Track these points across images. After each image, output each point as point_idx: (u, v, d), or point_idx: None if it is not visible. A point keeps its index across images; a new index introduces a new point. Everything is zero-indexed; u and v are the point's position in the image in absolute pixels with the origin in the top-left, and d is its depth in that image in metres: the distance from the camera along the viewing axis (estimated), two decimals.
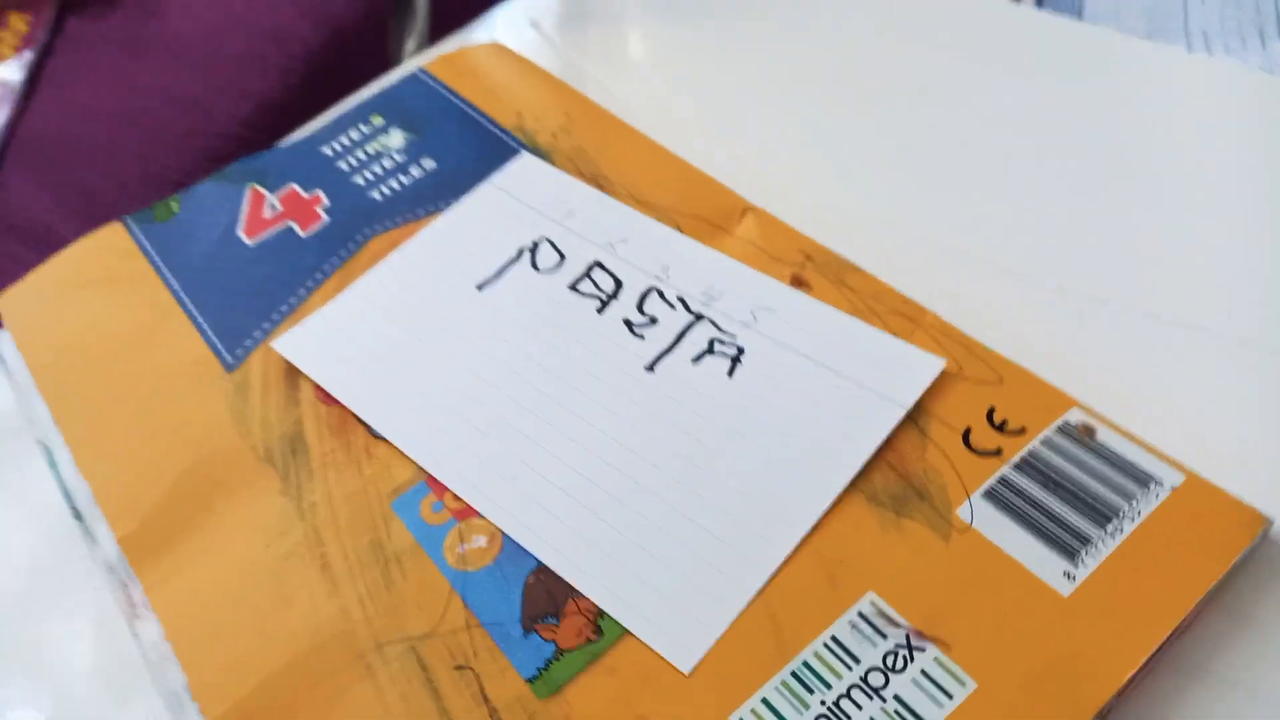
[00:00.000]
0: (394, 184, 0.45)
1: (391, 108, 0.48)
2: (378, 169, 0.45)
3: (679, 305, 0.35)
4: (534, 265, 0.38)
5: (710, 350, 0.34)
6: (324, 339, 0.38)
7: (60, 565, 0.35)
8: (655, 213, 0.40)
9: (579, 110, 0.46)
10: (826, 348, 0.33)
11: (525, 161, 0.42)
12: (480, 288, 0.38)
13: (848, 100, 0.46)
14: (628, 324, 0.35)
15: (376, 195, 0.44)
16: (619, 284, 0.36)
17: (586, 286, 0.37)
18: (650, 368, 0.34)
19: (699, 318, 0.35)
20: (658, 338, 0.35)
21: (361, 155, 0.46)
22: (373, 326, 0.38)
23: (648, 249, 0.38)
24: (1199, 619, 0.28)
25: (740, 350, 0.33)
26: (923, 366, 0.32)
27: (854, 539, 0.29)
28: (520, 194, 0.41)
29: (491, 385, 0.35)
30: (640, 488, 0.31)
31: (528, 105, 0.46)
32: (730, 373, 0.33)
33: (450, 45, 0.54)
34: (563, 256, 0.38)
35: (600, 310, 0.36)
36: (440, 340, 0.37)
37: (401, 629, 0.30)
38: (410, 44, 0.57)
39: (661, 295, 0.36)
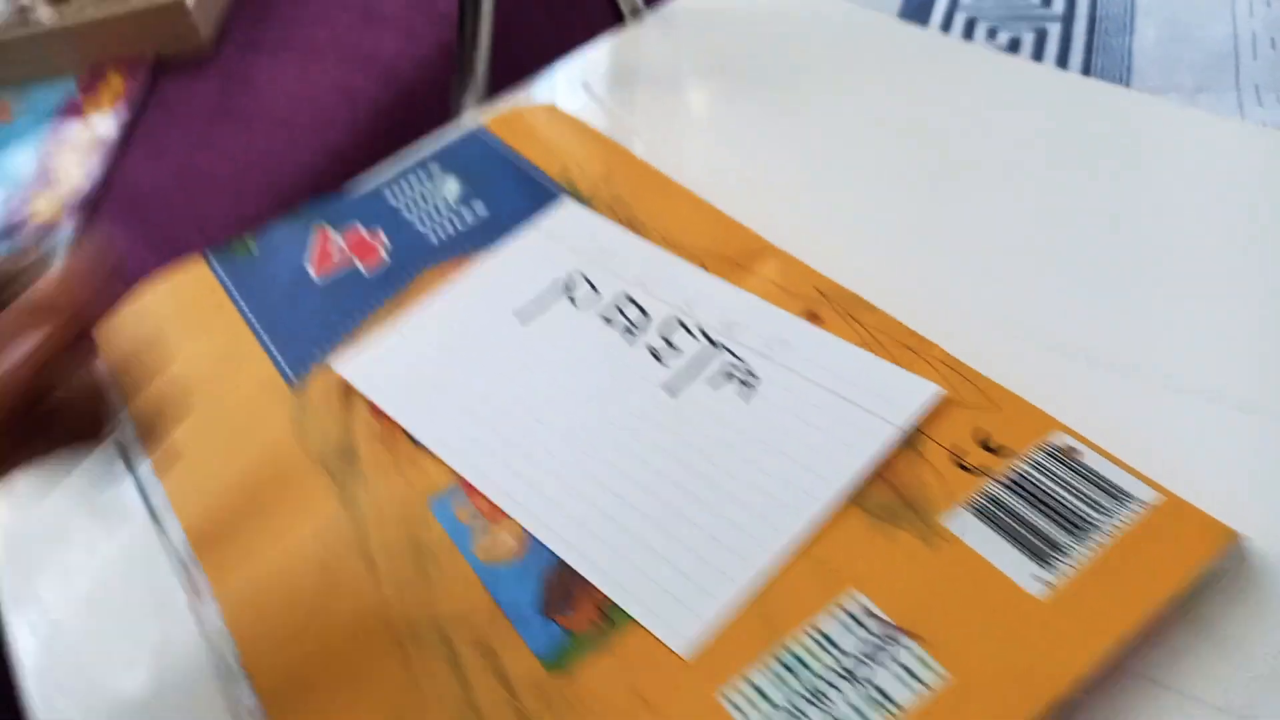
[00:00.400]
0: (449, 226, 0.49)
1: (451, 160, 0.53)
2: (434, 213, 0.50)
3: (700, 335, 0.38)
4: (570, 298, 0.41)
5: (728, 377, 0.37)
6: (377, 361, 0.42)
7: (134, 554, 0.39)
8: (683, 252, 0.43)
9: (619, 162, 0.50)
10: (833, 374, 0.36)
11: (566, 206, 0.46)
12: (521, 318, 0.42)
13: (877, 159, 0.49)
14: (653, 351, 0.38)
15: (433, 237, 0.48)
16: (646, 315, 0.40)
17: (616, 317, 0.40)
18: (671, 392, 0.37)
19: (718, 346, 0.38)
20: (680, 365, 0.38)
21: (421, 201, 0.51)
22: (420, 350, 0.42)
23: (673, 284, 0.41)
24: (1168, 632, 0.29)
25: (754, 376, 0.36)
26: (919, 392, 0.35)
27: (846, 544, 0.32)
28: (560, 235, 0.45)
29: (524, 405, 0.38)
30: (652, 496, 0.34)
31: (573, 158, 0.50)
32: (744, 397, 0.36)
33: (507, 102, 0.58)
34: (596, 290, 0.41)
35: (629, 340, 0.39)
36: (480, 364, 0.40)
37: (432, 615, 0.33)
38: (470, 100, 0.62)
39: (684, 326, 0.39)
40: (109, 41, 0.80)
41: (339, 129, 0.77)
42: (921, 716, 0.28)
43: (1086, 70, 1.60)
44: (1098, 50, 1.64)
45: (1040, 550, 0.30)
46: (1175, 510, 0.30)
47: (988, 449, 0.33)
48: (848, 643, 0.30)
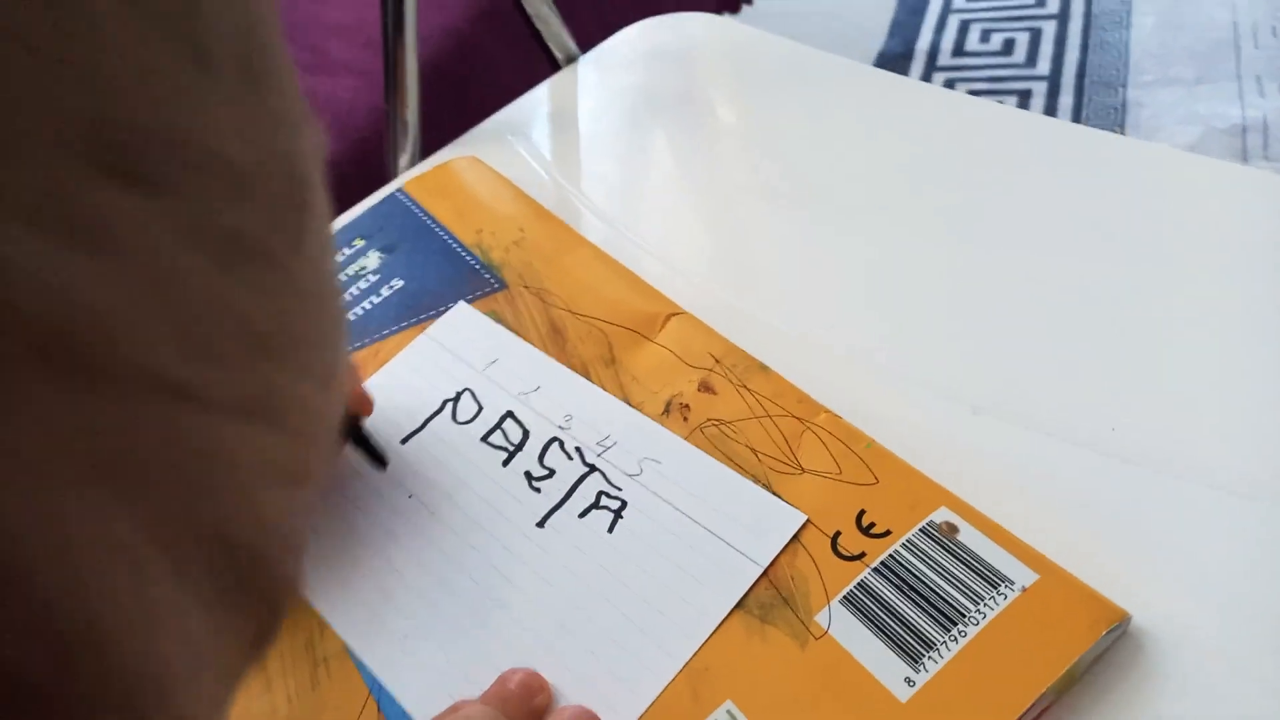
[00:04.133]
0: (366, 304, 0.48)
1: (372, 229, 0.52)
2: (354, 290, 0.49)
3: (576, 456, 0.37)
4: (454, 417, 0.40)
5: (597, 504, 0.36)
6: None
7: None
8: (586, 323, 0.42)
9: (534, 223, 0.49)
10: (701, 502, 0.35)
11: (459, 311, 0.45)
12: (404, 441, 0.41)
13: (810, 215, 0.48)
14: (528, 476, 0.37)
15: (350, 316, 0.48)
16: (526, 434, 0.39)
17: (497, 438, 0.39)
18: (541, 524, 0.36)
19: (592, 469, 0.37)
20: (552, 491, 0.37)
21: (342, 277, 0.50)
22: None
23: (556, 397, 0.40)
24: (1053, 714, 0.28)
25: (624, 504, 0.35)
26: (785, 521, 0.33)
27: (721, 649, 0.31)
28: (452, 345, 0.44)
29: (396, 540, 0.37)
30: (527, 635, 0.33)
31: (488, 221, 0.50)
32: (610, 528, 0.35)
33: (438, 159, 0.58)
34: (480, 407, 0.40)
35: (505, 463, 0.38)
36: (357, 494, 0.39)
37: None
38: (404, 160, 0.61)
39: (562, 446, 0.38)
40: None
41: None
42: None
43: (1082, 68, 1.57)
44: (1093, 48, 1.61)
45: (910, 646, 0.29)
46: (1057, 590, 0.29)
47: (867, 532, 0.32)
48: None
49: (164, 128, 0.10)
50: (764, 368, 0.38)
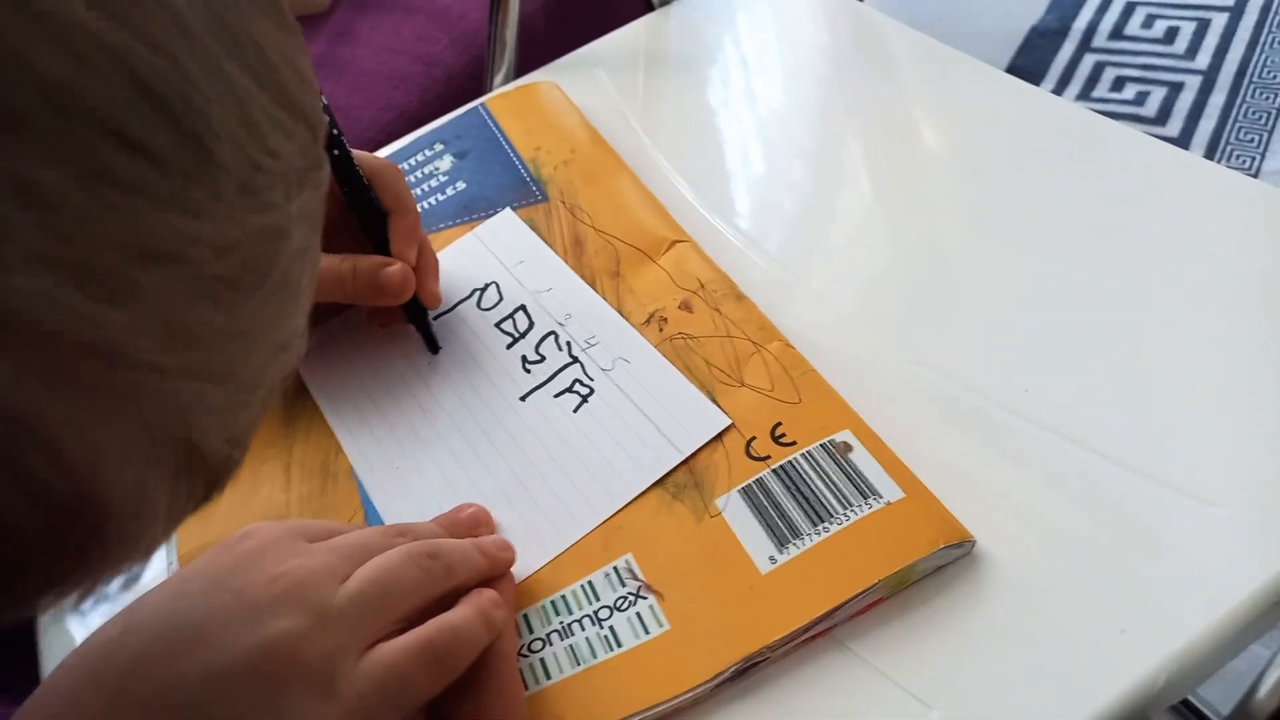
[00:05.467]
0: (433, 200, 0.55)
1: (451, 136, 0.59)
2: (425, 188, 0.56)
3: (565, 349, 0.44)
4: (478, 304, 0.47)
5: (570, 389, 0.42)
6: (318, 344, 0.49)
7: None
8: (603, 239, 0.48)
9: (587, 147, 0.55)
10: (652, 398, 0.41)
11: (504, 217, 0.52)
12: (436, 318, 0.48)
13: (842, 164, 0.52)
14: (523, 359, 0.44)
15: (422, 208, 0.55)
16: (531, 325, 0.45)
17: (508, 325, 0.46)
18: (523, 398, 0.43)
19: (574, 360, 0.43)
20: (539, 374, 0.43)
21: (419, 174, 0.57)
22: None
23: (563, 298, 0.46)
24: (882, 609, 0.33)
25: (592, 391, 0.42)
26: (712, 422, 0.39)
27: (635, 514, 0.37)
28: (491, 245, 0.50)
29: (412, 394, 0.45)
30: (490, 481, 0.40)
31: (547, 140, 0.56)
32: (576, 409, 0.41)
33: (527, 80, 0.64)
34: (501, 298, 0.47)
35: (509, 346, 0.45)
36: (390, 354, 0.47)
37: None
38: (499, 78, 0.68)
39: (556, 339, 0.44)
40: None
41: (412, 89, 0.85)
42: (634, 655, 0.33)
43: (1244, 66, 1.51)
44: (1262, 45, 1.54)
45: (781, 533, 0.34)
46: (917, 507, 0.34)
47: (777, 441, 0.37)
48: (606, 594, 0.35)
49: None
50: (741, 296, 0.43)
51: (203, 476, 0.20)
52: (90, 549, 0.18)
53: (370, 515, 0.40)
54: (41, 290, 0.15)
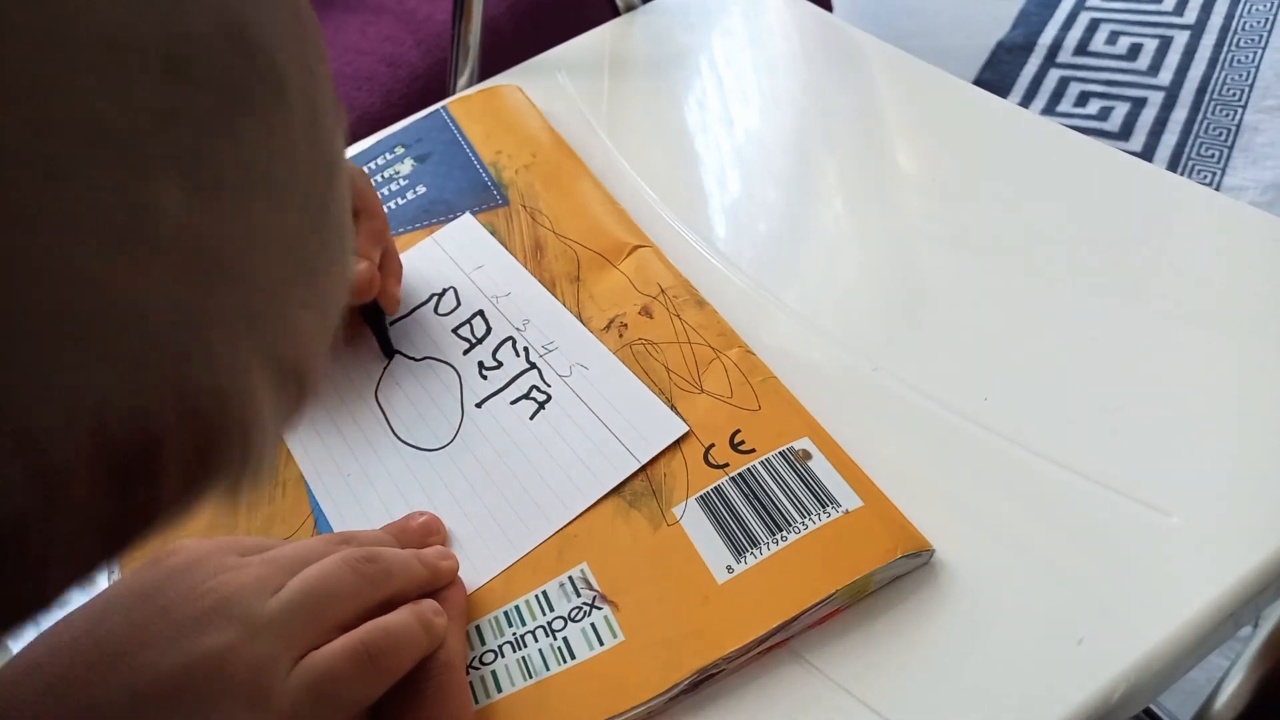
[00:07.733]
0: (393, 204, 0.54)
1: (412, 139, 0.58)
2: (385, 191, 0.55)
3: (522, 355, 0.43)
4: (436, 309, 0.47)
5: (527, 395, 0.41)
6: None
7: None
8: (563, 244, 0.48)
9: (548, 151, 0.54)
10: (609, 405, 0.40)
11: (463, 222, 0.51)
12: (393, 323, 0.47)
13: (800, 168, 0.52)
14: (480, 365, 0.43)
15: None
16: (489, 331, 0.45)
17: (465, 331, 0.45)
18: (480, 405, 0.42)
19: (532, 367, 0.42)
20: (496, 380, 0.43)
21: (380, 178, 0.57)
22: None
23: (521, 304, 0.45)
24: (839, 620, 0.32)
25: (549, 398, 0.41)
26: (670, 429, 0.38)
27: (591, 522, 0.36)
28: (450, 250, 0.50)
29: (364, 400, 0.44)
30: (444, 490, 0.39)
31: (508, 144, 0.55)
32: (532, 416, 0.41)
33: (490, 84, 0.63)
34: (459, 303, 0.46)
35: (466, 352, 0.44)
36: (345, 358, 0.46)
37: (265, 536, 0.39)
38: (462, 80, 0.67)
39: (514, 345, 0.44)
40: None
41: (375, 93, 0.84)
42: (588, 666, 0.32)
43: (1205, 83, 1.53)
44: (1222, 64, 1.56)
45: (739, 541, 0.34)
46: (875, 516, 0.33)
47: (736, 449, 0.36)
48: (560, 605, 0.34)
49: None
50: (702, 302, 0.43)
51: (297, 386, 0.19)
52: (219, 450, 0.17)
53: (320, 523, 0.39)
54: (179, 201, 0.14)
